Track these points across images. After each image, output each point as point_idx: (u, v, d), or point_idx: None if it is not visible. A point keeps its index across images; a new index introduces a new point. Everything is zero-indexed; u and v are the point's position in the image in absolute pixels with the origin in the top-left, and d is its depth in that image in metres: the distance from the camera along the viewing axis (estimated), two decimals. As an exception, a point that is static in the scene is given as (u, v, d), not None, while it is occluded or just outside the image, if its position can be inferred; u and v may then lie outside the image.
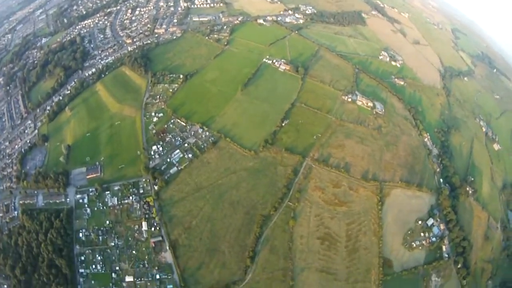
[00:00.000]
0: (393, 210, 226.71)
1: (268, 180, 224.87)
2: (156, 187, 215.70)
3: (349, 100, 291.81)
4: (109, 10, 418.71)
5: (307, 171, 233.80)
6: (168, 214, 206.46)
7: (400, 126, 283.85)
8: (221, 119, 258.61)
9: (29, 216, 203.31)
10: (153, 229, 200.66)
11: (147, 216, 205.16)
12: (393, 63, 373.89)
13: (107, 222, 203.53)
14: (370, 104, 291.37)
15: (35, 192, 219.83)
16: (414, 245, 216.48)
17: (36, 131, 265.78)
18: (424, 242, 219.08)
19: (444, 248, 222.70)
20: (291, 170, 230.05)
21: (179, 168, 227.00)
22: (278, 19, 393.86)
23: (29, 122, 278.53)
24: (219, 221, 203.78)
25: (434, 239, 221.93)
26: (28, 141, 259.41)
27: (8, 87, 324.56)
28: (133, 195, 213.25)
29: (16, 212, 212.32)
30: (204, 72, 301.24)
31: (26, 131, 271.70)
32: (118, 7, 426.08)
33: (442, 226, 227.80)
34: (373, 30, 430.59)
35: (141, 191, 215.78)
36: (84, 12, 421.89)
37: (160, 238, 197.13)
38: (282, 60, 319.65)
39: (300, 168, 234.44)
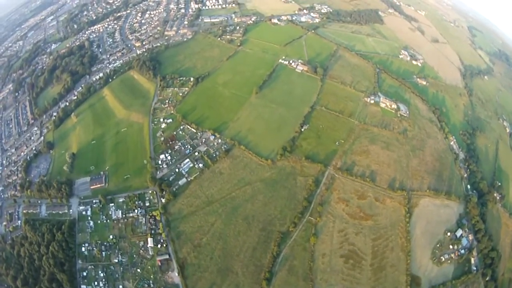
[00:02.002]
0: (421, 222, 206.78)
1: (287, 193, 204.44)
2: (163, 200, 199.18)
3: (372, 102, 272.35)
4: (119, 14, 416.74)
5: (330, 182, 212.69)
6: (176, 230, 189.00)
7: (426, 129, 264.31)
8: (235, 125, 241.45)
9: (32, 226, 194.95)
10: (159, 246, 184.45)
11: (153, 231, 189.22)
12: (414, 62, 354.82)
13: (111, 236, 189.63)
14: (394, 106, 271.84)
15: (39, 201, 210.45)
16: (443, 259, 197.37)
17: (42, 138, 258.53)
18: (453, 255, 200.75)
19: (472, 260, 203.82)
20: (312, 181, 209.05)
21: (189, 179, 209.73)
22: (293, 18, 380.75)
23: (35, 128, 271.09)
24: (232, 239, 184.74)
25: (463, 251, 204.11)
26: (33, 148, 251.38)
27: (17, 93, 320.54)
28: (139, 208, 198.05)
29: (19, 222, 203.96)
30: (216, 75, 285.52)
31: (32, 138, 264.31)
32: (128, 11, 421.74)
33: (470, 237, 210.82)
34: (391, 28, 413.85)
35: (147, 204, 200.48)
36: (94, 17, 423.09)
37: (167, 256, 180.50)
38: (299, 61, 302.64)
39: (322, 178, 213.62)
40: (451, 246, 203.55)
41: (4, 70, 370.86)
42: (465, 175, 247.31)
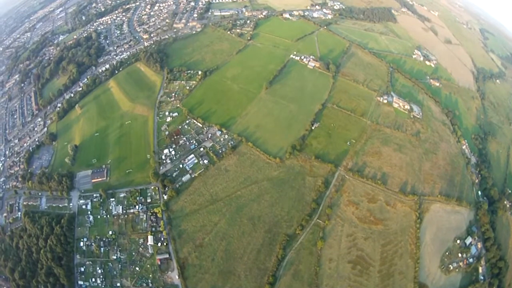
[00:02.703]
0: (431, 228, 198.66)
1: (295, 193, 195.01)
2: (165, 197, 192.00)
3: (385, 101, 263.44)
4: (127, 6, 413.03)
5: (340, 183, 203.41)
6: (178, 228, 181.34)
7: (439, 132, 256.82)
8: (243, 121, 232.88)
9: (31, 219, 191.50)
10: (159, 244, 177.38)
11: (154, 229, 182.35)
12: (427, 62, 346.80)
13: (110, 232, 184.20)
14: (407, 106, 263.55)
15: (39, 193, 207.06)
16: (451, 268, 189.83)
17: (45, 129, 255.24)
18: (461, 263, 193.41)
19: (480, 269, 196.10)
20: (321, 182, 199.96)
21: (193, 176, 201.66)
22: (305, 13, 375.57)
23: (39, 119, 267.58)
24: (235, 240, 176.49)
25: (471, 260, 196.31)
26: (36, 139, 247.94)
27: (22, 84, 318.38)
28: (140, 204, 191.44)
29: (19, 213, 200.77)
30: (225, 69, 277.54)
31: (35, 129, 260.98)
32: (137, 3, 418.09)
33: (479, 245, 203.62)
34: (404, 27, 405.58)
35: (149, 200, 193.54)
36: (103, 9, 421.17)
37: (167, 256, 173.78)
38: (311, 57, 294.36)
39: (332, 179, 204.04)
40: (460, 254, 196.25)
41: (11, 61, 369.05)
42: (476, 181, 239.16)
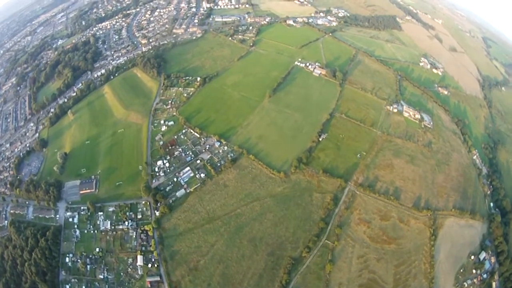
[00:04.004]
0: (446, 245, 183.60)
1: (301, 211, 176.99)
2: (157, 213, 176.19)
3: (395, 111, 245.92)
4: (128, 12, 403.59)
5: (350, 200, 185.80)
6: (170, 248, 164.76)
7: (450, 142, 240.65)
8: (244, 131, 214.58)
9: (17, 229, 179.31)
10: (150, 265, 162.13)
11: (144, 248, 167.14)
12: (435, 70, 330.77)
13: (97, 249, 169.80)
14: (418, 116, 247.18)
15: (27, 202, 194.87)
16: (466, 285, 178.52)
17: (37, 134, 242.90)
18: (475, 280, 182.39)
19: (494, 285, 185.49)
20: (330, 198, 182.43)
21: (188, 191, 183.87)
22: (309, 20, 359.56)
23: (32, 124, 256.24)
24: (234, 263, 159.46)
25: (485, 275, 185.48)
26: (27, 145, 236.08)
27: (18, 87, 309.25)
28: (130, 220, 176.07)
29: (6, 222, 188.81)
30: (225, 75, 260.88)
31: (27, 134, 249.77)
32: (138, 9, 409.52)
33: (493, 259, 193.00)
34: (410, 35, 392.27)
35: (139, 216, 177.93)
36: (103, 15, 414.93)
37: (158, 278, 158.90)
38: (317, 64, 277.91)
39: (341, 195, 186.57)
40: (474, 271, 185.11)
41: (10, 63, 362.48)
42: (488, 192, 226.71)
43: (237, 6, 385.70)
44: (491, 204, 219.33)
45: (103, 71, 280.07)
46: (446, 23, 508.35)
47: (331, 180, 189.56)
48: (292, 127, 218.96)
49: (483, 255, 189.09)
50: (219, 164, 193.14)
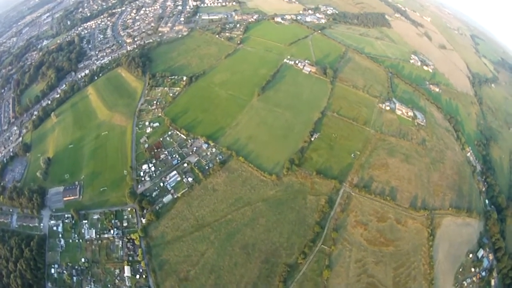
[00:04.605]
0: (444, 245, 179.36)
1: (295, 215, 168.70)
2: (143, 221, 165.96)
3: (387, 108, 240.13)
4: (113, 11, 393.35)
5: (346, 201, 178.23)
6: (159, 258, 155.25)
7: (444, 140, 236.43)
8: (233, 132, 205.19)
9: (1, 238, 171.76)
10: (138, 276, 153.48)
11: (131, 258, 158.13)
12: (425, 67, 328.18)
13: (83, 260, 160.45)
14: (411, 113, 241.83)
15: (11, 210, 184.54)
16: (465, 284, 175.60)
17: (20, 138, 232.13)
18: (474, 278, 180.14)
19: (492, 282, 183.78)
20: (325, 201, 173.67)
21: (175, 196, 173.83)
22: (298, 18, 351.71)
23: (15, 128, 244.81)
24: (227, 272, 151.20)
25: (483, 273, 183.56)
26: (11, 150, 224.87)
27: (3, 90, 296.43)
28: (115, 229, 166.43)
29: None
30: (212, 74, 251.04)
31: (11, 138, 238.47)
32: (123, 8, 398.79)
33: (491, 257, 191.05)
34: (399, 32, 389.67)
35: (125, 224, 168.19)
36: (89, 14, 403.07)
37: None
38: (306, 61, 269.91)
39: (336, 197, 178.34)
40: (472, 269, 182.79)
41: None
42: (483, 189, 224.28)
43: (224, 4, 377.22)
44: (487, 201, 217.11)
45: (87, 71, 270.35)
46: (434, 20, 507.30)
47: (325, 182, 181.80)
48: (282, 126, 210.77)
49: (481, 252, 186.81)
50: (207, 167, 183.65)
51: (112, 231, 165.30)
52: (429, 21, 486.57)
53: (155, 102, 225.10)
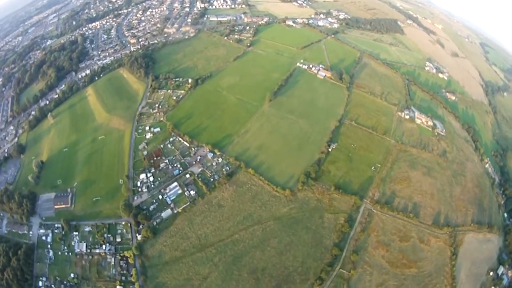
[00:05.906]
0: (466, 264, 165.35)
1: (311, 236, 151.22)
2: (139, 237, 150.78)
3: (407, 117, 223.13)
4: (119, 12, 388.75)
5: (367, 220, 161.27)
6: (155, 280, 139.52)
7: (464, 151, 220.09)
8: (241, 140, 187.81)
9: None
10: None
11: (123, 278, 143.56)
12: (440, 75, 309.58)
13: (72, 275, 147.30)
14: (430, 123, 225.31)
15: (1, 214, 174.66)
16: None
17: (16, 139, 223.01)
18: None
19: None
20: (344, 219, 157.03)
21: (175, 211, 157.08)
22: (310, 22, 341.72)
23: (12, 128, 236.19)
24: None
25: None
26: (6, 150, 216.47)
27: (4, 88, 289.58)
28: (107, 244, 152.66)
29: None
30: (220, 77, 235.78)
31: (7, 138, 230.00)
32: (130, 9, 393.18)
33: (510, 274, 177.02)
34: (412, 39, 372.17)
35: (118, 239, 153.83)
36: (95, 15, 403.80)
37: None
38: (321, 66, 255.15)
39: (356, 215, 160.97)
40: (493, 287, 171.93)
41: None
42: (502, 202, 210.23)
43: (233, 6, 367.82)
44: (505, 215, 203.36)
45: (88, 71, 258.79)
46: (445, 28, 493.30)
47: (345, 198, 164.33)
48: (297, 135, 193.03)
49: (501, 269, 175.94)
50: (212, 180, 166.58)
51: (104, 246, 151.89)
52: (441, 28, 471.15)
53: (157, 105, 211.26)
